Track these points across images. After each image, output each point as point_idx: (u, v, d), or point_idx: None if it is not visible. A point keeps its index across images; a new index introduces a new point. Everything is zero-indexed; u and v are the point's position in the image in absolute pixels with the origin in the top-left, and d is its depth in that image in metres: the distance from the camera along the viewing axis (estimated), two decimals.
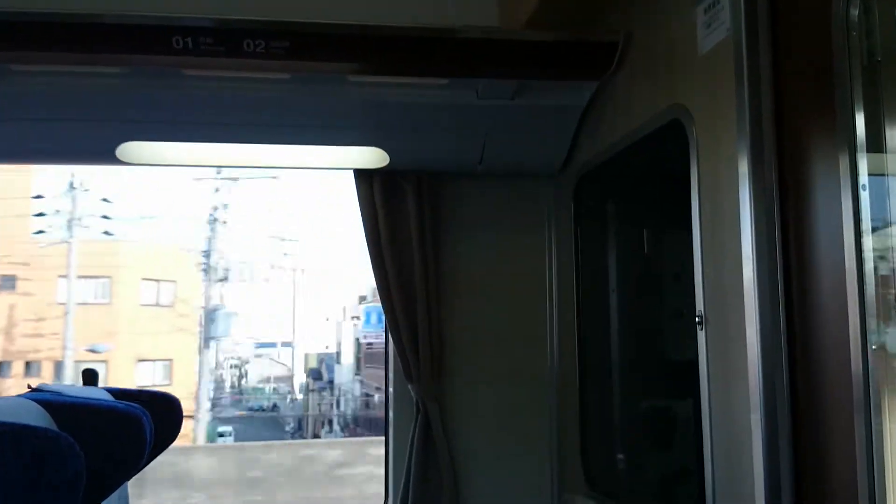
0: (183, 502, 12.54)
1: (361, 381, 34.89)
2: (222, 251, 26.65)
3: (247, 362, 48.38)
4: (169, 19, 2.17)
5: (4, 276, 24.46)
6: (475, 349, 3.03)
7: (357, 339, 36.60)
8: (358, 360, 36.88)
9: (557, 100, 2.65)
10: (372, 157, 2.78)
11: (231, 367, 48.75)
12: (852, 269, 1.47)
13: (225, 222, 25.98)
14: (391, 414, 3.07)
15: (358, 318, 35.33)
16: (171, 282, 26.92)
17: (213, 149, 2.75)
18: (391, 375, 3.08)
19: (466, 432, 3.00)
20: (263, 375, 46.30)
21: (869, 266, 1.47)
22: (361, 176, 2.91)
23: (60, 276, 23.68)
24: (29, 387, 2.18)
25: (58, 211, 23.49)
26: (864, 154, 1.50)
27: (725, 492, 1.83)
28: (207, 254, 25.82)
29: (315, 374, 40.52)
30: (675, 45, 2.11)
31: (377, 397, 29.76)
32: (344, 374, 37.10)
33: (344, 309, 41.59)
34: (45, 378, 21.99)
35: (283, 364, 45.56)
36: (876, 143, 1.51)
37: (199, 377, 25.89)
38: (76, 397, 2.03)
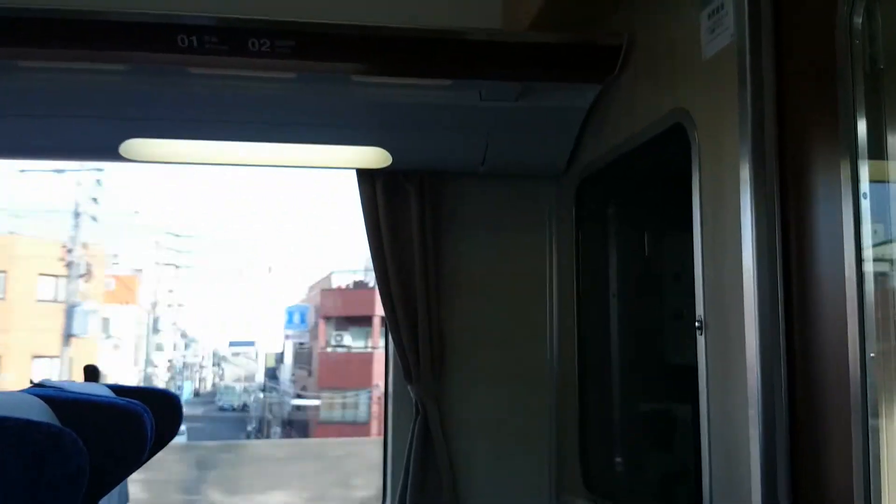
0: None
1: (293, 383, 34.32)
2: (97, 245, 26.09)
3: (225, 360, 48.51)
4: (174, 17, 2.18)
5: None
6: (475, 350, 3.04)
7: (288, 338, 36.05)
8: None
9: (560, 102, 2.66)
10: (375, 156, 2.79)
11: (201, 367, 48.86)
12: (852, 276, 1.48)
13: (94, 217, 25.51)
14: (390, 414, 3.08)
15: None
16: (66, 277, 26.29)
17: (216, 147, 2.76)
18: (391, 375, 3.08)
19: (465, 433, 3.00)
20: (239, 375, 46.28)
21: (868, 272, 1.47)
22: (364, 175, 2.92)
23: None
24: (31, 382, 2.19)
25: None
26: (866, 161, 1.50)
27: (723, 494, 1.84)
28: (70, 250, 25.17)
29: (271, 374, 40.08)
30: (679, 49, 2.12)
31: (305, 400, 29.67)
32: (285, 374, 36.67)
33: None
34: None
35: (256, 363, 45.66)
36: (878, 150, 1.52)
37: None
38: (78, 393, 2.04)
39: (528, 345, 3.07)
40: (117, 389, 2.27)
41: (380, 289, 2.95)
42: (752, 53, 1.76)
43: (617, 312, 2.94)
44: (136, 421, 1.90)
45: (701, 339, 1.94)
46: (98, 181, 25.59)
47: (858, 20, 1.52)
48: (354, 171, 2.93)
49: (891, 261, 1.52)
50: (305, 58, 2.29)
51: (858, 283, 1.47)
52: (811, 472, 1.60)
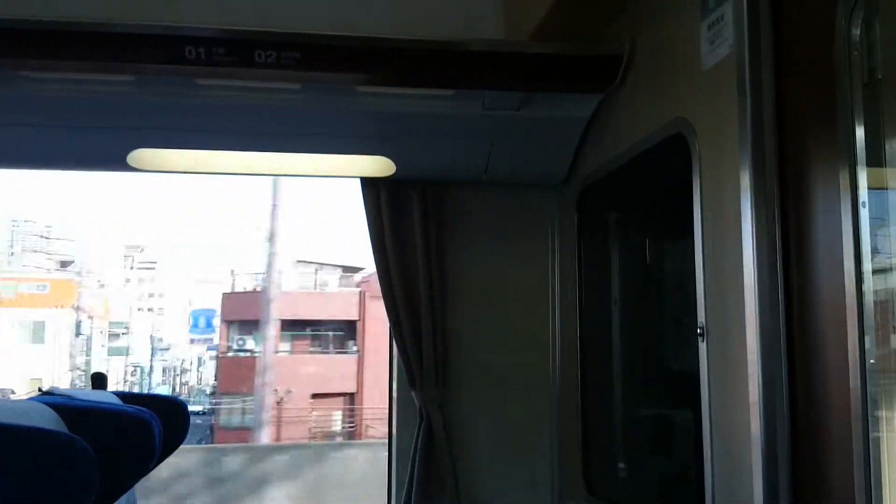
0: None
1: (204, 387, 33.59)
2: None
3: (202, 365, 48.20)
4: (183, 29, 2.21)
5: None
6: (478, 356, 3.05)
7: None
8: None
9: (562, 111, 2.68)
10: (379, 165, 2.82)
11: (182, 371, 48.58)
12: (851, 282, 1.49)
13: None
14: (394, 420, 3.10)
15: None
16: None
17: (223, 157, 2.78)
18: (394, 382, 3.10)
19: (469, 439, 3.02)
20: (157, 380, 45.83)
21: (868, 280, 1.49)
22: (368, 184, 2.94)
23: None
24: (39, 390, 2.21)
25: None
26: (864, 169, 1.52)
27: (725, 500, 1.86)
28: None
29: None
30: (679, 59, 2.14)
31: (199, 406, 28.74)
32: (196, 378, 35.94)
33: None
34: None
35: None
36: (876, 159, 1.54)
37: None
38: (87, 401, 2.06)
39: (530, 351, 3.09)
40: (125, 397, 2.29)
41: (384, 296, 2.98)
42: (751, 63, 1.77)
43: (618, 319, 2.96)
44: (145, 428, 1.92)
45: (702, 346, 1.95)
46: None
47: (857, 31, 1.54)
48: (359, 180, 2.96)
49: (890, 267, 1.54)
50: (311, 69, 2.32)
51: (858, 289, 1.48)
52: (812, 479, 1.62)
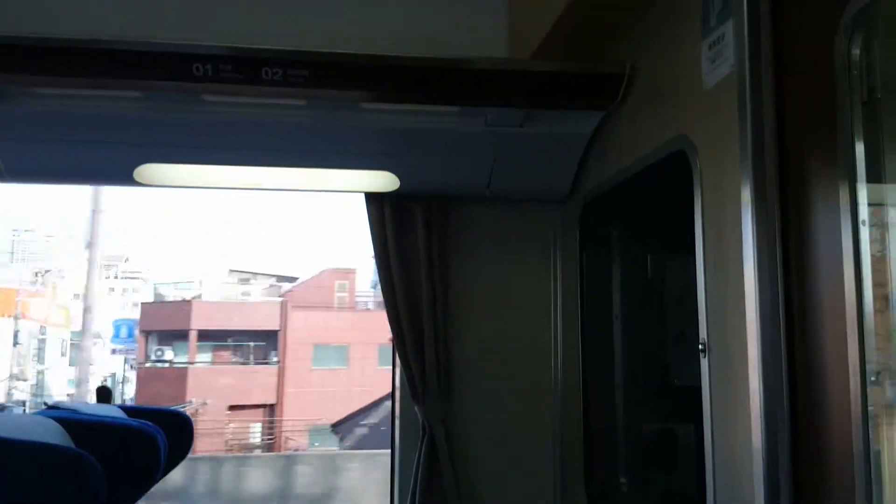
0: None
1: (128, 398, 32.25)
2: None
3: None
4: (190, 47, 2.24)
5: None
6: (481, 371, 3.06)
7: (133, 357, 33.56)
8: None
9: (565, 128, 2.70)
10: (383, 180, 2.84)
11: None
12: (852, 297, 1.51)
13: None
14: (397, 434, 3.10)
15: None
16: None
17: (228, 171, 2.81)
18: (397, 396, 3.11)
19: (471, 453, 3.02)
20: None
21: (868, 296, 1.51)
22: (372, 199, 2.97)
23: None
24: (45, 404, 2.23)
25: None
26: (864, 186, 1.54)
27: None
28: None
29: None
30: (680, 78, 2.17)
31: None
32: (120, 389, 35.17)
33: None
34: None
35: None
36: (876, 176, 1.56)
37: None
38: (92, 415, 2.07)
39: (532, 366, 3.10)
40: (130, 410, 2.30)
41: (388, 310, 2.99)
42: (752, 83, 1.79)
43: (620, 334, 2.97)
44: (150, 442, 1.94)
45: (704, 362, 1.97)
46: None
47: (856, 52, 1.56)
48: (363, 195, 2.98)
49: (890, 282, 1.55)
50: (317, 86, 2.35)
51: (858, 304, 1.50)
52: (814, 494, 1.63)
